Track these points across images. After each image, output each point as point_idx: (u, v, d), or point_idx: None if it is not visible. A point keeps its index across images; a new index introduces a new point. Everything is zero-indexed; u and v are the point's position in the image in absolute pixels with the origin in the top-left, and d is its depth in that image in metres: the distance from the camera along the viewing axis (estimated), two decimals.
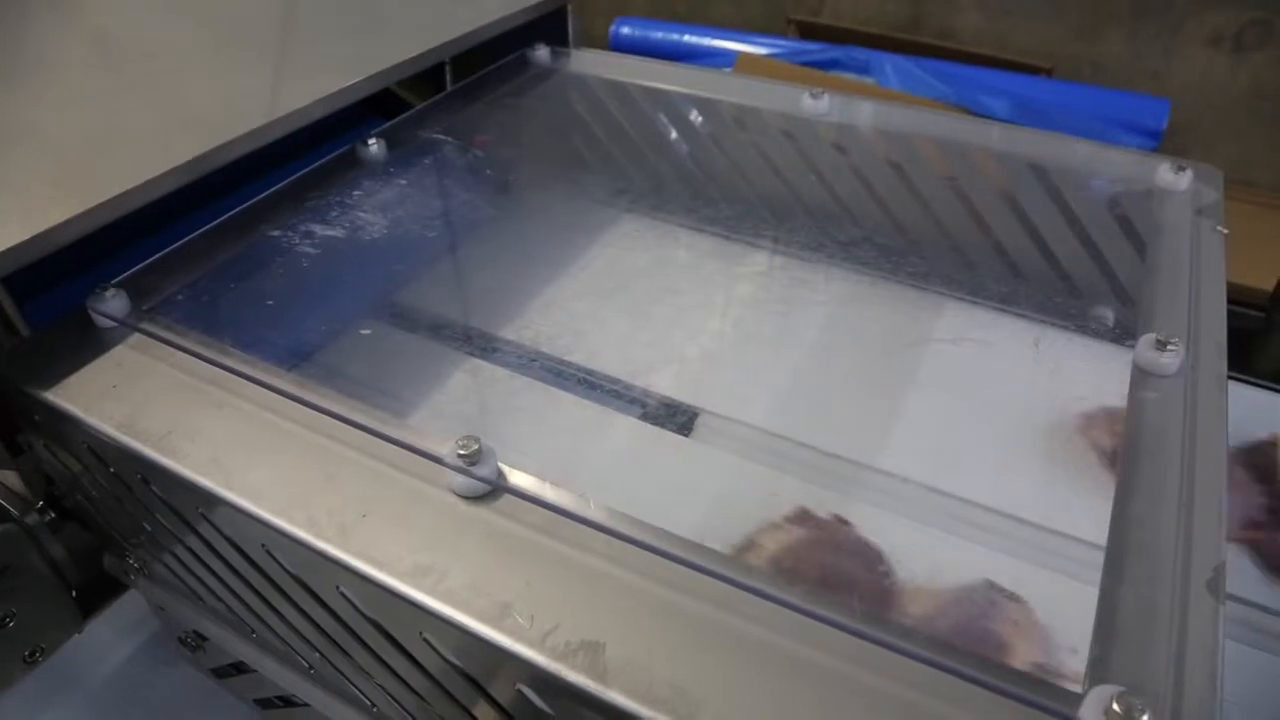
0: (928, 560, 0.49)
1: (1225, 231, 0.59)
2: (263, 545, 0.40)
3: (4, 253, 0.45)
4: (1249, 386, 0.84)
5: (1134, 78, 1.81)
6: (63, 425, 0.45)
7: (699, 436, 0.56)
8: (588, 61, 0.84)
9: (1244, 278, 1.45)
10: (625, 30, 2.09)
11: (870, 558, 0.47)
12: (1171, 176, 0.63)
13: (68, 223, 0.48)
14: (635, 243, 0.72)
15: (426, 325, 0.64)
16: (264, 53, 0.68)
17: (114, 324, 0.49)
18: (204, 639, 0.60)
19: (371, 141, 0.67)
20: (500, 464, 0.39)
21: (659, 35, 2.06)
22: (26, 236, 0.46)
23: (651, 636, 0.33)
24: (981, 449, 0.56)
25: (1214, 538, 0.38)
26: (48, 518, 0.51)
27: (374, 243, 0.62)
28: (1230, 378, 0.47)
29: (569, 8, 0.85)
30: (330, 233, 0.61)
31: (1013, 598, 0.46)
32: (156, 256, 0.55)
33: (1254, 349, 1.53)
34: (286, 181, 0.64)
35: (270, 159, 0.61)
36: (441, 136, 0.72)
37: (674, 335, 0.63)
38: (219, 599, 0.50)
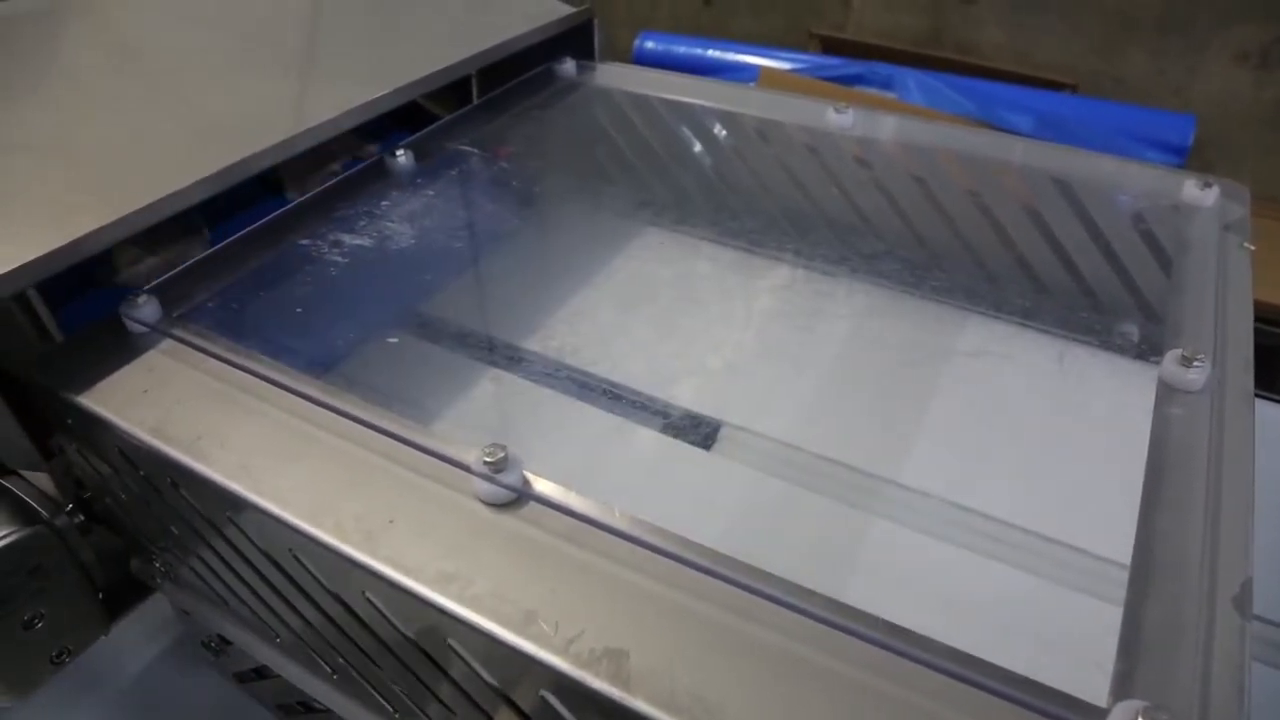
0: (949, 576, 0.49)
1: (1252, 248, 0.58)
2: (289, 550, 0.40)
3: (37, 260, 0.45)
4: (1275, 405, 0.84)
5: (1157, 93, 1.80)
6: (94, 429, 0.46)
7: (721, 449, 0.56)
8: (613, 75, 0.85)
9: (1270, 295, 1.44)
10: (649, 45, 2.10)
11: None
12: (1197, 192, 0.63)
13: (99, 230, 0.48)
14: (658, 255, 0.73)
15: (452, 335, 0.64)
16: (293, 65, 0.69)
17: (146, 329, 0.50)
18: (228, 643, 0.60)
19: (399, 153, 0.68)
20: (525, 472, 0.39)
21: (682, 50, 2.07)
22: (59, 244, 0.46)
23: (674, 644, 0.33)
24: (1003, 464, 0.56)
25: (1240, 554, 0.37)
26: (77, 520, 0.52)
27: (401, 253, 0.62)
28: (1256, 395, 0.47)
29: (594, 22, 0.86)
30: (358, 242, 0.61)
31: None
32: (187, 264, 0.56)
33: None
34: (315, 191, 0.64)
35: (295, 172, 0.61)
36: (468, 148, 0.73)
37: (697, 348, 0.63)
38: (244, 603, 0.51)
